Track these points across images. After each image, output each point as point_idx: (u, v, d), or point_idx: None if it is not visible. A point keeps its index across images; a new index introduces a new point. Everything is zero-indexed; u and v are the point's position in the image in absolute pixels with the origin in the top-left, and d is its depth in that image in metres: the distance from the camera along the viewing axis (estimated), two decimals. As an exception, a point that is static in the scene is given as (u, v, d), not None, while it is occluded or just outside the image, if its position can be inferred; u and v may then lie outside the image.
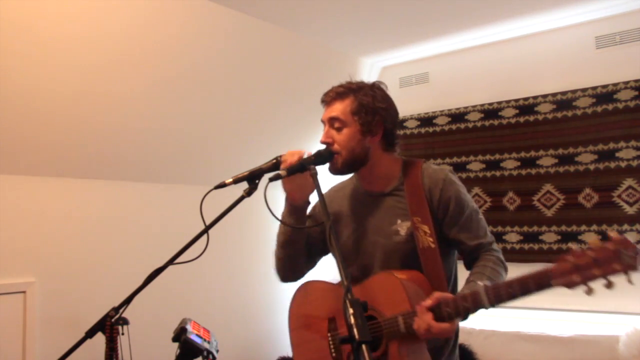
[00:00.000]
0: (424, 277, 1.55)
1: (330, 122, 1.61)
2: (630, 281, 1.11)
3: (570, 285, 1.18)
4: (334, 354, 1.61)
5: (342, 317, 1.58)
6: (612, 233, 1.15)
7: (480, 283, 1.40)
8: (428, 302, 1.36)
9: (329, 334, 1.64)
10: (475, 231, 1.59)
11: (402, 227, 1.59)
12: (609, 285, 1.13)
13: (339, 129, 1.59)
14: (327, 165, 1.62)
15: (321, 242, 1.78)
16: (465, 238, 1.58)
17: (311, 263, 1.83)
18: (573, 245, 3.07)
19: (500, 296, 1.30)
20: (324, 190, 1.79)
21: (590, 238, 3.02)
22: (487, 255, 1.58)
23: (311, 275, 1.86)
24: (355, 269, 1.65)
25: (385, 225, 1.62)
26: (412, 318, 1.40)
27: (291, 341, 1.78)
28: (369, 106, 1.58)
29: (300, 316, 1.74)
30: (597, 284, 1.14)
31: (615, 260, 1.11)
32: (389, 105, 1.64)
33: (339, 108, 1.59)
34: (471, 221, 1.59)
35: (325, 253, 1.82)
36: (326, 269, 2.03)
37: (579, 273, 1.16)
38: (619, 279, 1.17)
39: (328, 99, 1.63)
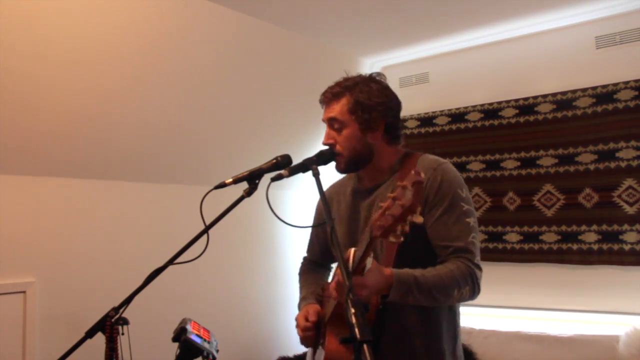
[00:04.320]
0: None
1: (330, 123, 1.61)
2: (413, 221, 1.00)
3: (378, 232, 1.08)
4: None
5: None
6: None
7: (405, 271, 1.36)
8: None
9: None
10: (448, 231, 1.44)
11: None
12: (403, 229, 1.03)
13: (338, 130, 1.59)
14: (334, 164, 1.63)
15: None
16: (435, 235, 1.45)
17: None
18: (573, 246, 3.08)
19: (355, 258, 1.29)
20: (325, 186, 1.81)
21: (590, 238, 3.02)
22: (456, 261, 1.42)
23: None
24: None
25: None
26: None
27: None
28: (365, 103, 1.56)
29: None
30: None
31: (401, 198, 1.01)
32: (387, 99, 1.60)
33: (336, 109, 1.58)
34: (449, 218, 1.45)
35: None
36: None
37: (383, 218, 1.07)
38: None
39: (325, 99, 1.63)
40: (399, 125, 1.64)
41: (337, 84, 1.63)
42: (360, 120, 1.56)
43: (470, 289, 1.42)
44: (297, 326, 1.66)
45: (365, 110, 1.56)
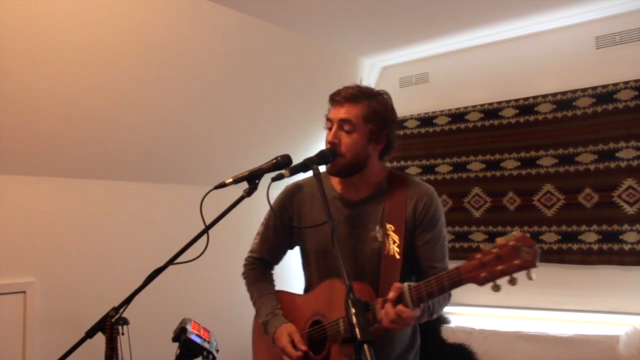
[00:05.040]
0: (371, 289, 1.53)
1: (340, 123, 1.59)
2: (530, 277, 1.13)
3: (478, 281, 1.18)
4: None
5: (299, 325, 1.64)
6: (516, 232, 1.17)
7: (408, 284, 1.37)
8: (392, 294, 1.33)
9: None
10: (434, 253, 1.59)
11: (379, 233, 1.58)
12: (513, 281, 1.15)
13: (348, 132, 1.58)
14: (327, 164, 1.62)
15: (288, 240, 1.79)
16: (423, 255, 1.58)
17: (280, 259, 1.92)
18: (573, 246, 3.07)
19: (421, 295, 1.29)
20: (293, 180, 1.73)
21: (591, 238, 3.02)
22: None
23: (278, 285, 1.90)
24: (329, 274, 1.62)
25: (363, 231, 1.62)
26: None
27: (253, 349, 1.85)
28: (381, 115, 1.59)
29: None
30: (503, 281, 1.16)
31: (515, 257, 1.13)
32: (396, 117, 1.66)
33: (352, 111, 1.57)
34: (436, 242, 1.59)
35: (291, 247, 1.83)
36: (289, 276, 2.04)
37: (485, 269, 1.17)
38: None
39: (340, 99, 1.60)
40: (394, 146, 1.69)
41: (353, 88, 1.62)
42: (371, 129, 1.58)
43: (447, 305, 1.61)
44: (287, 355, 1.57)
45: (380, 121, 1.59)
